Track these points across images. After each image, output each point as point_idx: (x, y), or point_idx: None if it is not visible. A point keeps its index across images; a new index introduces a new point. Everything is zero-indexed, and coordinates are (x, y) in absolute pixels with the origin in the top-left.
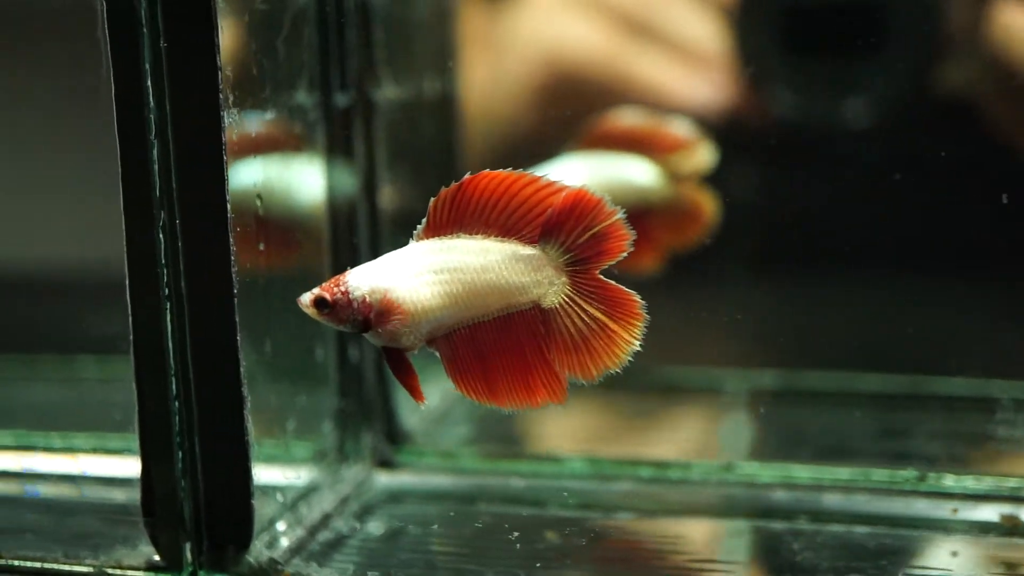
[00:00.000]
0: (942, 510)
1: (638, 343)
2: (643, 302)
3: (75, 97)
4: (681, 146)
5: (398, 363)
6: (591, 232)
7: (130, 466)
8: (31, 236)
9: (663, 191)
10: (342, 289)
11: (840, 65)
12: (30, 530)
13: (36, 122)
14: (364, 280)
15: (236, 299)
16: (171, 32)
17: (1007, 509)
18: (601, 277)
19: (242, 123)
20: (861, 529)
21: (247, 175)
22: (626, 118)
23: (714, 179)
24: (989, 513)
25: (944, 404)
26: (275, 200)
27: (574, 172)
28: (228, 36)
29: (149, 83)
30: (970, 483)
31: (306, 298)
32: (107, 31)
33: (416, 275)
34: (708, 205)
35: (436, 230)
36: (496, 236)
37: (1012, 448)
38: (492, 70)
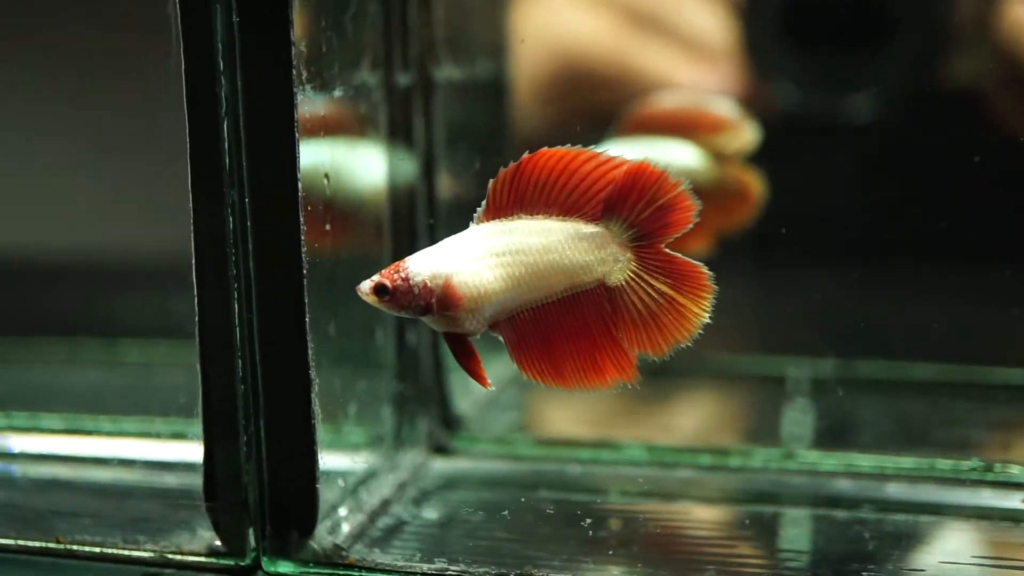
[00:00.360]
0: (1010, 500)
1: (708, 315)
2: (711, 273)
3: (143, 76)
4: (724, 126)
5: (461, 348)
6: (655, 205)
7: (182, 450)
8: (80, 221)
9: (709, 173)
10: (402, 275)
11: (848, 58)
12: (87, 514)
13: (100, 101)
14: (425, 265)
15: (305, 280)
16: (244, 6)
17: None
18: (667, 250)
19: (313, 100)
20: (927, 519)
21: (316, 154)
22: (667, 101)
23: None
24: None
25: (1002, 395)
26: (341, 180)
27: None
28: (299, 12)
29: (221, 59)
30: None
31: (365, 286)
32: (178, 6)
33: (478, 258)
34: (755, 185)
35: (496, 212)
36: (557, 215)
37: None
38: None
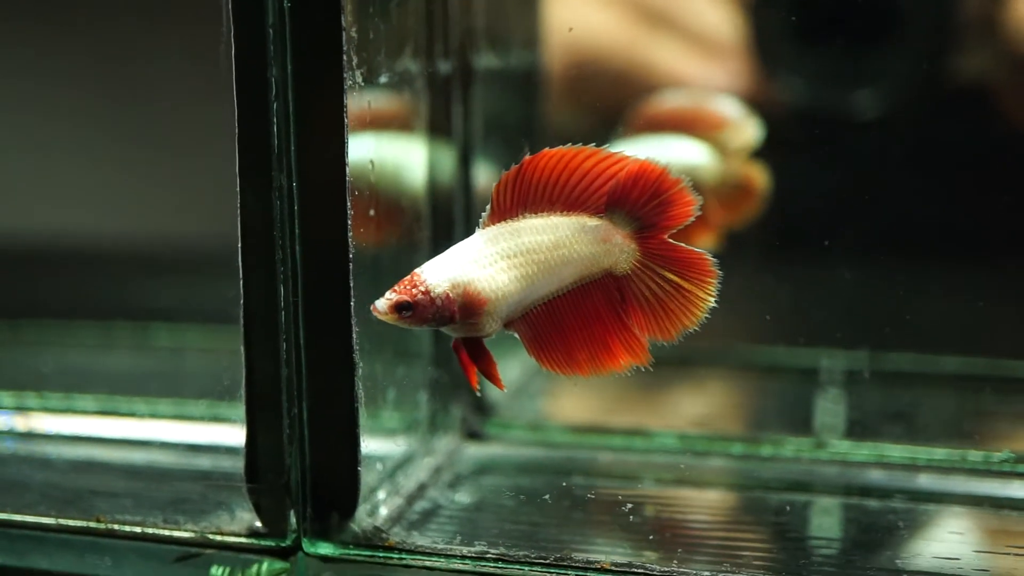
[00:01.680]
0: None
1: (713, 300)
2: (715, 260)
3: (191, 61)
4: (727, 123)
5: (478, 352)
6: (657, 200)
7: (221, 433)
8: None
9: (713, 169)
10: (422, 289)
11: (856, 55)
12: (126, 495)
13: (146, 86)
14: (441, 275)
15: (351, 265)
16: None
17: None
18: (670, 240)
19: (361, 86)
20: (958, 508)
21: (362, 140)
22: (671, 100)
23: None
24: None
25: None
26: (385, 167)
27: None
28: None
29: (272, 44)
30: None
31: (382, 305)
32: None
33: (492, 263)
34: (759, 180)
35: (502, 214)
36: (562, 211)
37: None
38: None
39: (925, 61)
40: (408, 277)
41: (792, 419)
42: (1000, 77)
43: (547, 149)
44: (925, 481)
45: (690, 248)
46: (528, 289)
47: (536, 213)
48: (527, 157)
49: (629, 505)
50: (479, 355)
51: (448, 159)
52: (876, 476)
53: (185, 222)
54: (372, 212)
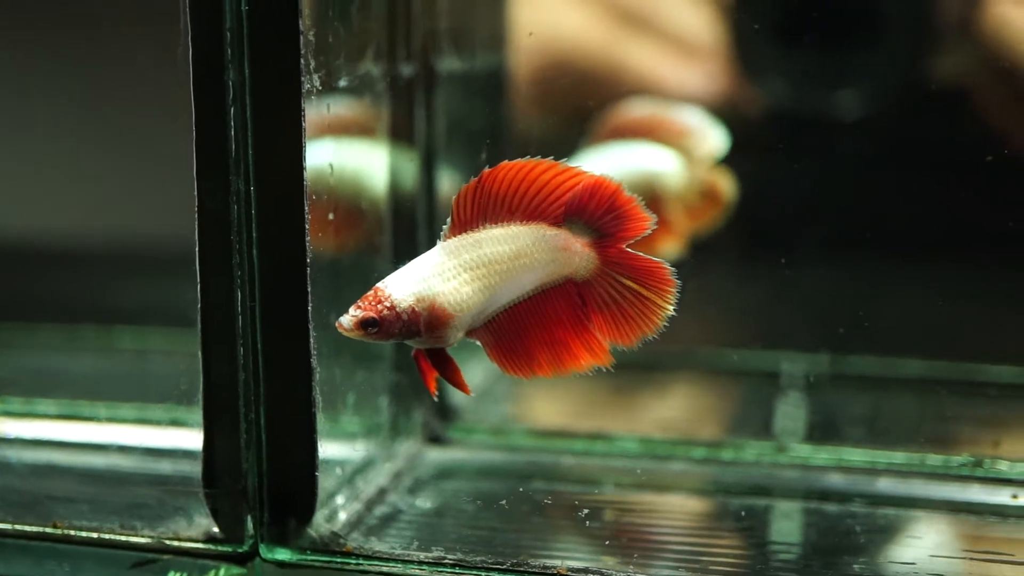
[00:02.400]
0: (998, 496)
1: (672, 308)
2: (673, 269)
3: (149, 62)
4: (691, 131)
5: (442, 361)
6: (612, 214)
7: (180, 437)
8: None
9: (678, 176)
10: (387, 304)
11: (833, 56)
12: (84, 500)
13: (104, 87)
14: (406, 290)
15: (309, 269)
16: None
17: None
18: (628, 250)
19: (319, 90)
20: (917, 513)
21: (321, 144)
22: (636, 109)
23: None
24: None
25: (992, 391)
26: (345, 170)
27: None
28: (307, 1)
29: (229, 47)
30: None
31: (347, 321)
32: None
33: (455, 275)
34: (724, 187)
35: (463, 227)
36: (521, 221)
37: None
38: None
39: (899, 63)
40: (372, 292)
41: (754, 423)
42: (975, 79)
43: (505, 162)
44: (884, 485)
45: (649, 257)
46: (491, 299)
47: (496, 223)
48: (486, 170)
49: (586, 510)
50: (443, 364)
51: (410, 163)
52: (836, 480)
53: (150, 223)
54: (331, 216)
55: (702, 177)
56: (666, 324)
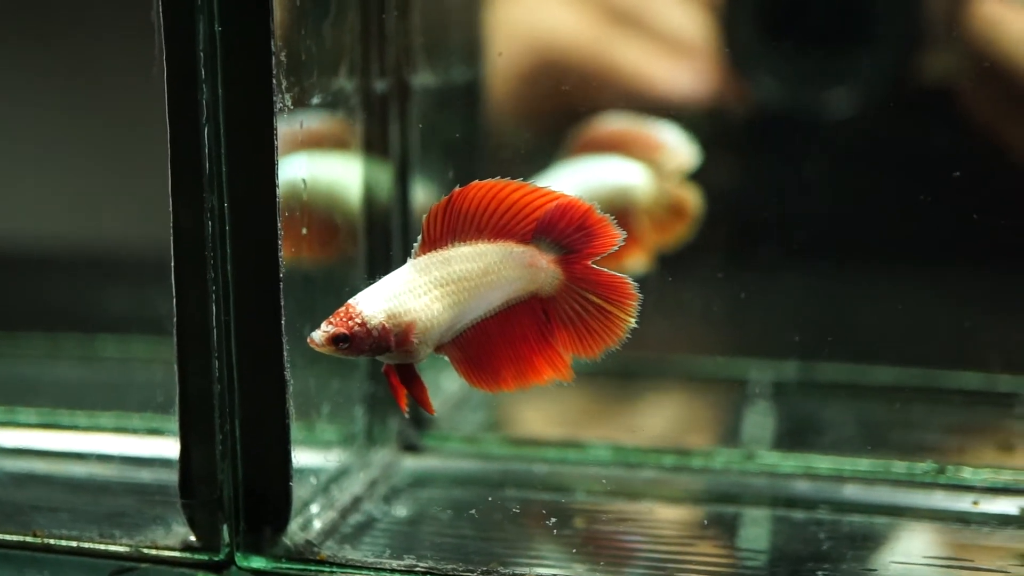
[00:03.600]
0: (961, 503)
1: (634, 320)
2: (635, 283)
3: (126, 82)
4: (661, 146)
5: (409, 377)
6: (582, 232)
7: (158, 445)
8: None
9: (648, 190)
10: (358, 321)
11: (822, 55)
12: (64, 509)
13: (86, 100)
14: (377, 306)
15: (282, 284)
16: (226, 16)
17: None
18: (593, 266)
19: (292, 108)
20: (881, 520)
21: (294, 160)
22: (608, 123)
23: (708, 164)
24: (1008, 506)
25: (959, 398)
26: (318, 185)
27: (561, 179)
28: (280, 20)
29: (203, 68)
30: (988, 476)
31: (319, 336)
32: (161, 14)
33: (425, 292)
34: (692, 203)
35: (432, 244)
36: (489, 239)
37: None
38: (505, 59)
39: (883, 64)
40: (343, 309)
41: (722, 431)
42: (961, 80)
43: (476, 181)
44: (850, 492)
45: (612, 272)
46: (459, 315)
47: (465, 241)
48: (456, 189)
49: (554, 519)
50: (410, 380)
51: (384, 176)
52: (803, 487)
53: (133, 230)
54: (304, 231)
55: (671, 192)
56: (628, 336)
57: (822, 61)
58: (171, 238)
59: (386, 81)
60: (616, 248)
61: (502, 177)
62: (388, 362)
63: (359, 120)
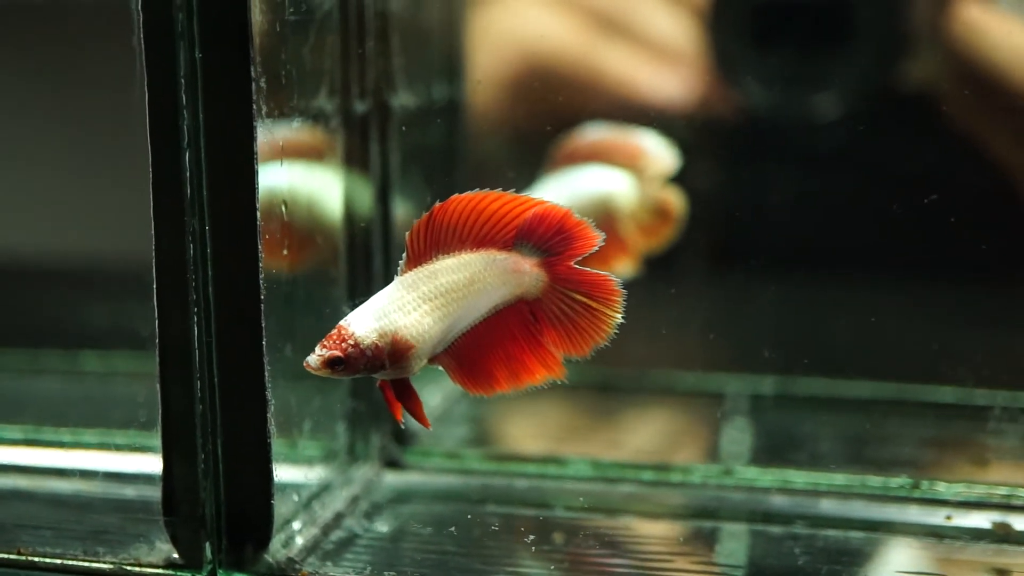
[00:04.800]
0: (935, 517)
1: (620, 316)
2: (619, 279)
3: (108, 100)
4: (641, 152)
5: (404, 392)
6: (561, 235)
7: (142, 462)
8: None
9: (630, 195)
10: (351, 342)
11: (806, 61)
12: (48, 526)
13: (70, 116)
14: (368, 326)
15: (263, 305)
16: (206, 43)
17: (998, 517)
18: (575, 266)
19: (272, 132)
20: (857, 534)
21: (275, 181)
22: (587, 134)
23: (685, 176)
24: (981, 520)
25: (934, 412)
26: (299, 206)
27: (545, 193)
28: (260, 46)
29: (183, 93)
30: (961, 490)
31: (314, 360)
32: (143, 41)
33: (415, 308)
34: (675, 204)
35: (417, 260)
36: (472, 249)
37: (1003, 456)
38: (489, 71)
39: (865, 71)
40: (335, 331)
41: (701, 446)
42: (942, 86)
43: (456, 195)
44: (826, 506)
45: (595, 271)
46: (450, 326)
47: (448, 253)
48: (437, 204)
49: (532, 536)
50: (406, 395)
51: (365, 195)
52: (779, 502)
53: (116, 245)
54: (285, 251)
55: (654, 195)
56: (616, 332)
57: (804, 67)
58: (153, 261)
59: (366, 102)
60: (596, 248)
61: (480, 189)
62: (384, 378)
63: (340, 140)
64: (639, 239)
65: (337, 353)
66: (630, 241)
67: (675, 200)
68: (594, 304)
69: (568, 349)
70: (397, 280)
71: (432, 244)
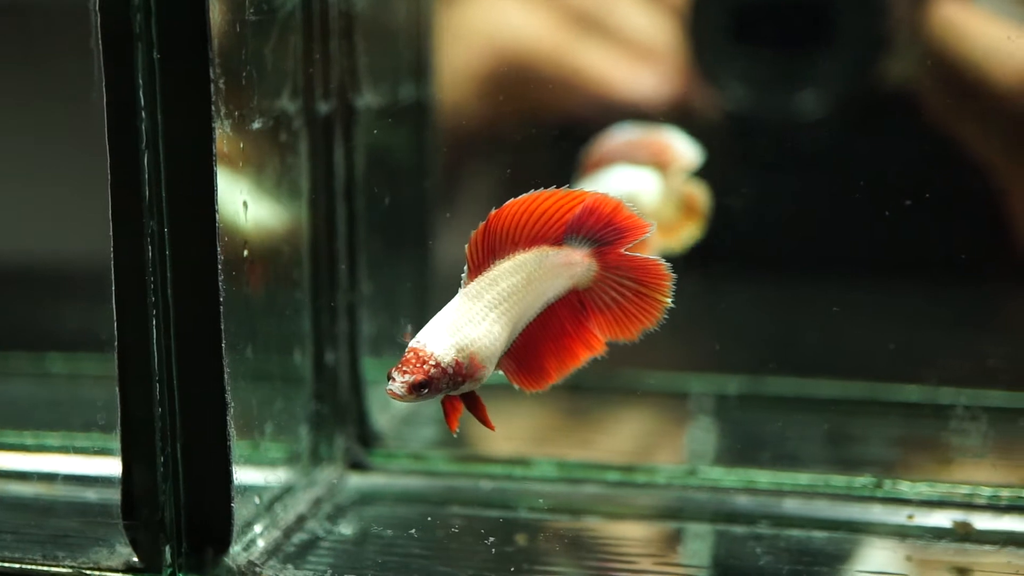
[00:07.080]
0: (898, 516)
1: (670, 300)
2: (668, 263)
3: (67, 101)
4: (664, 149)
5: (473, 402)
6: (612, 226)
7: (102, 465)
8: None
9: (655, 193)
10: (431, 363)
11: (785, 59)
12: (7, 531)
13: (28, 117)
14: (445, 343)
15: (222, 307)
16: (164, 44)
17: (959, 516)
18: (625, 253)
19: (231, 132)
20: (820, 534)
21: (234, 184)
22: (612, 138)
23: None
24: (942, 519)
25: (899, 411)
26: (260, 207)
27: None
28: (220, 46)
29: (142, 95)
30: (924, 490)
31: (398, 388)
32: (101, 42)
33: (483, 317)
34: (700, 198)
35: (477, 270)
36: (524, 248)
37: (965, 455)
38: (459, 70)
39: (845, 70)
40: (412, 354)
41: (666, 446)
42: (922, 85)
43: (512, 200)
44: (790, 506)
45: (643, 257)
46: (514, 330)
47: (503, 258)
48: (492, 212)
49: (496, 537)
50: (474, 404)
51: (329, 196)
52: (743, 502)
53: (83, 247)
54: (246, 253)
55: (679, 191)
56: (666, 316)
57: (783, 66)
58: (112, 262)
59: (330, 102)
60: (648, 235)
61: (535, 189)
62: (459, 393)
63: (303, 141)
64: (666, 236)
65: (420, 376)
66: (653, 239)
67: (700, 194)
68: (644, 289)
69: (617, 334)
70: (462, 292)
71: (489, 252)
